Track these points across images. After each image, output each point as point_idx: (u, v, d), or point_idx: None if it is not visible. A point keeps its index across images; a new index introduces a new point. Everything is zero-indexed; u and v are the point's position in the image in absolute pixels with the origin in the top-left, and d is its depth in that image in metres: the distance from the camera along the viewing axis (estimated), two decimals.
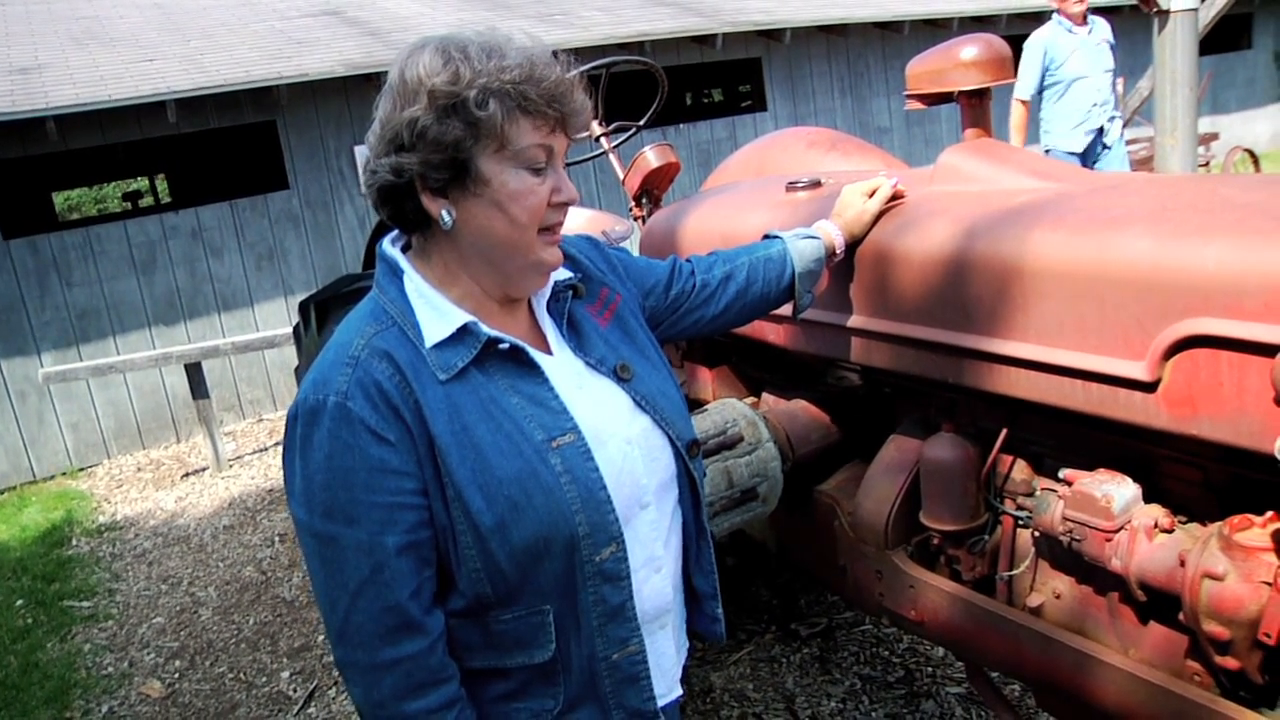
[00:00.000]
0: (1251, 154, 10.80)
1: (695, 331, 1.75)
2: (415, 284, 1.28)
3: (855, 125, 11.00)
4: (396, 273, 1.30)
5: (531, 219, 1.25)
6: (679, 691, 1.47)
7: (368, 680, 1.22)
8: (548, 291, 1.38)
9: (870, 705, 3.03)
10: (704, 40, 9.57)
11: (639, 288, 1.58)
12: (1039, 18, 12.04)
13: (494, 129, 1.19)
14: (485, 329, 1.26)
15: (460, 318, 1.25)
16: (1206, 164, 11.22)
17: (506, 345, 1.27)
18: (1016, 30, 11.79)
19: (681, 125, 10.00)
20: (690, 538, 1.47)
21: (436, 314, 1.26)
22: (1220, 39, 13.79)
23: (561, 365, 1.34)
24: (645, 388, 1.38)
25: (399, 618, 1.20)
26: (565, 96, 1.23)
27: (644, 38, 8.94)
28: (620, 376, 1.37)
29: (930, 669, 3.16)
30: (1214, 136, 11.27)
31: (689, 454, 1.42)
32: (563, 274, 1.40)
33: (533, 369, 1.29)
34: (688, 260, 1.75)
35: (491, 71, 1.18)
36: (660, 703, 1.40)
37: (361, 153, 7.96)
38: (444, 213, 1.24)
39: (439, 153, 1.20)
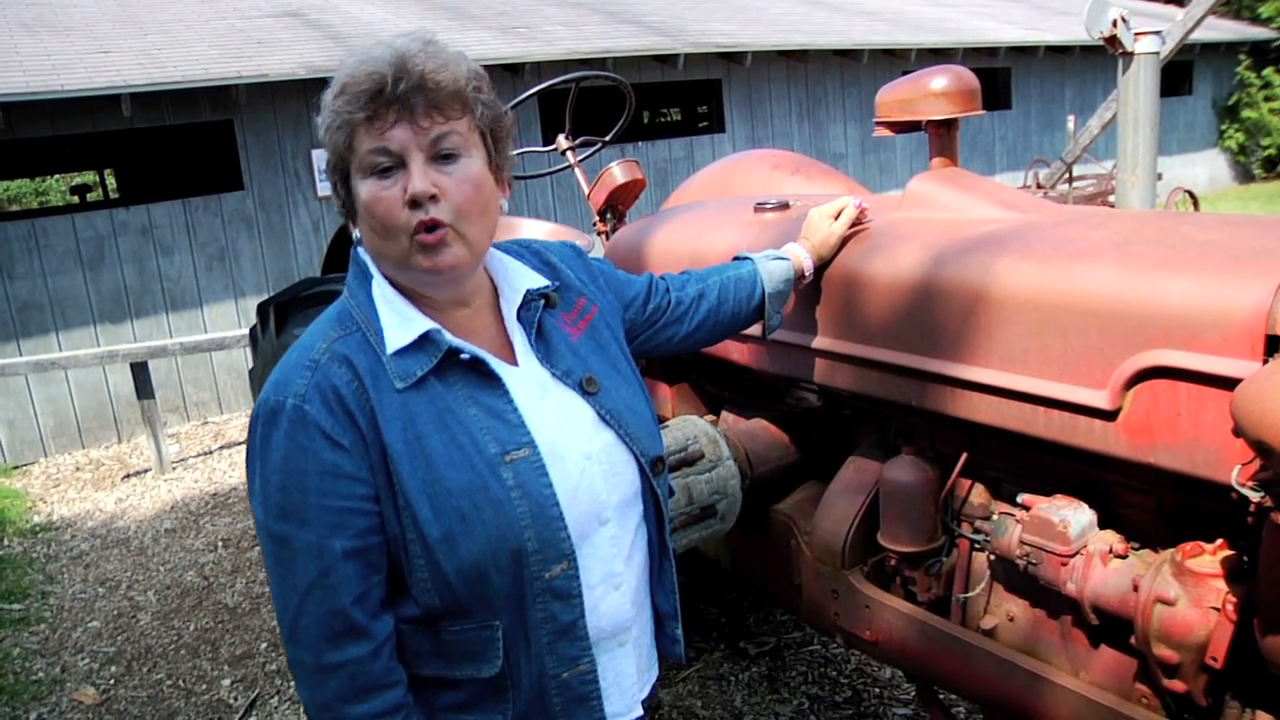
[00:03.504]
0: (1191, 195, 11.13)
1: (668, 349, 1.76)
2: (382, 289, 1.28)
3: (812, 150, 11.16)
4: (366, 276, 1.29)
5: (388, 224, 1.20)
6: (638, 712, 1.45)
7: (314, 681, 1.22)
8: (518, 299, 1.37)
9: None
10: (666, 60, 9.65)
11: (619, 299, 1.58)
12: (994, 52, 12.37)
13: (339, 152, 1.23)
14: (447, 338, 1.25)
15: (422, 325, 1.25)
16: None
17: (468, 356, 1.26)
18: (972, 63, 12.07)
19: (640, 143, 10.06)
20: (654, 556, 1.47)
21: (400, 320, 1.25)
22: (1163, 85, 14.20)
23: (525, 376, 1.33)
24: (611, 402, 1.38)
25: (344, 622, 1.20)
26: (384, 90, 1.17)
27: (606, 54, 8.99)
28: (586, 390, 1.36)
29: (878, 690, 3.20)
30: (1156, 177, 11.61)
31: (654, 471, 1.41)
32: (536, 281, 1.39)
33: (493, 380, 1.28)
34: (662, 278, 1.75)
35: (329, 100, 1.22)
36: None
37: (319, 157, 7.89)
38: (355, 232, 1.30)
39: (335, 172, 1.27)
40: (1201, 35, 12.89)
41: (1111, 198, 11.00)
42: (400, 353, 1.23)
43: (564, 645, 1.30)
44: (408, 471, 1.20)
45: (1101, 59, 14.04)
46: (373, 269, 1.29)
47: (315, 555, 1.18)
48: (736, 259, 1.90)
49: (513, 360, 1.35)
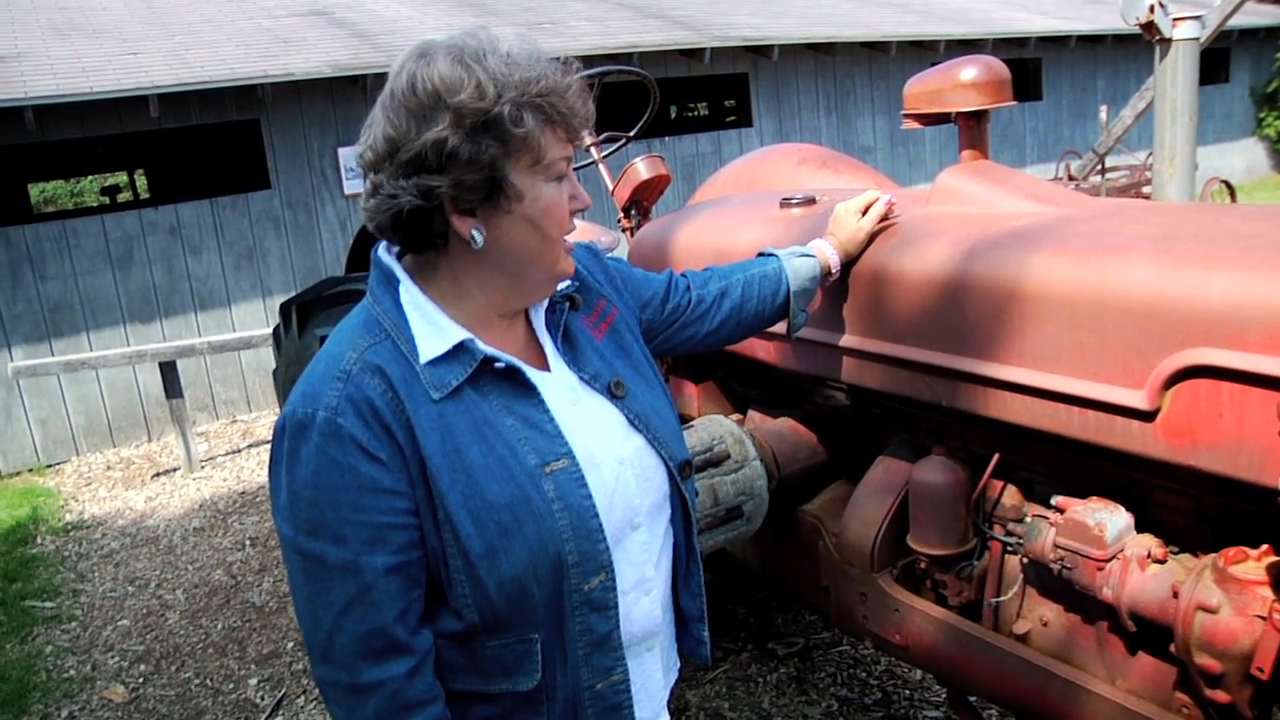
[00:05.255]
0: (1228, 185, 10.94)
1: (689, 348, 1.73)
2: (412, 296, 1.24)
3: (840, 144, 11.06)
4: (392, 282, 1.25)
5: (561, 230, 1.23)
6: (664, 716, 1.43)
7: (350, 702, 1.18)
8: (545, 302, 1.35)
9: None
10: (692, 54, 9.59)
11: (636, 300, 1.55)
12: (1024, 42, 12.20)
13: (530, 144, 1.17)
14: (482, 347, 1.22)
15: (457, 334, 1.21)
16: None
17: (503, 365, 1.23)
18: (1002, 54, 11.91)
19: (666, 138, 10.01)
20: (680, 559, 1.44)
21: (433, 329, 1.21)
22: (1199, 72, 14.00)
23: (556, 381, 1.31)
24: (639, 406, 1.35)
25: (385, 640, 1.16)
26: (582, 104, 1.22)
27: (632, 49, 8.94)
28: (614, 394, 1.34)
29: (908, 692, 3.14)
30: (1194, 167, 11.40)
31: (681, 475, 1.39)
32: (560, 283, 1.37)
33: (528, 389, 1.25)
34: (683, 275, 1.72)
35: (518, 84, 1.15)
36: None
37: (346, 155, 7.91)
38: (475, 232, 1.19)
39: (474, 173, 1.15)
40: (1239, 21, 12.65)
41: (1146, 189, 10.82)
42: (434, 362, 1.19)
43: (599, 656, 1.28)
44: (448, 484, 1.16)
45: (1135, 48, 13.81)
46: (400, 274, 1.25)
47: (352, 573, 1.14)
48: (761, 255, 1.86)
49: (544, 366, 1.32)
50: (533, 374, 1.26)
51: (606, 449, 1.29)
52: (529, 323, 1.35)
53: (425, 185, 1.15)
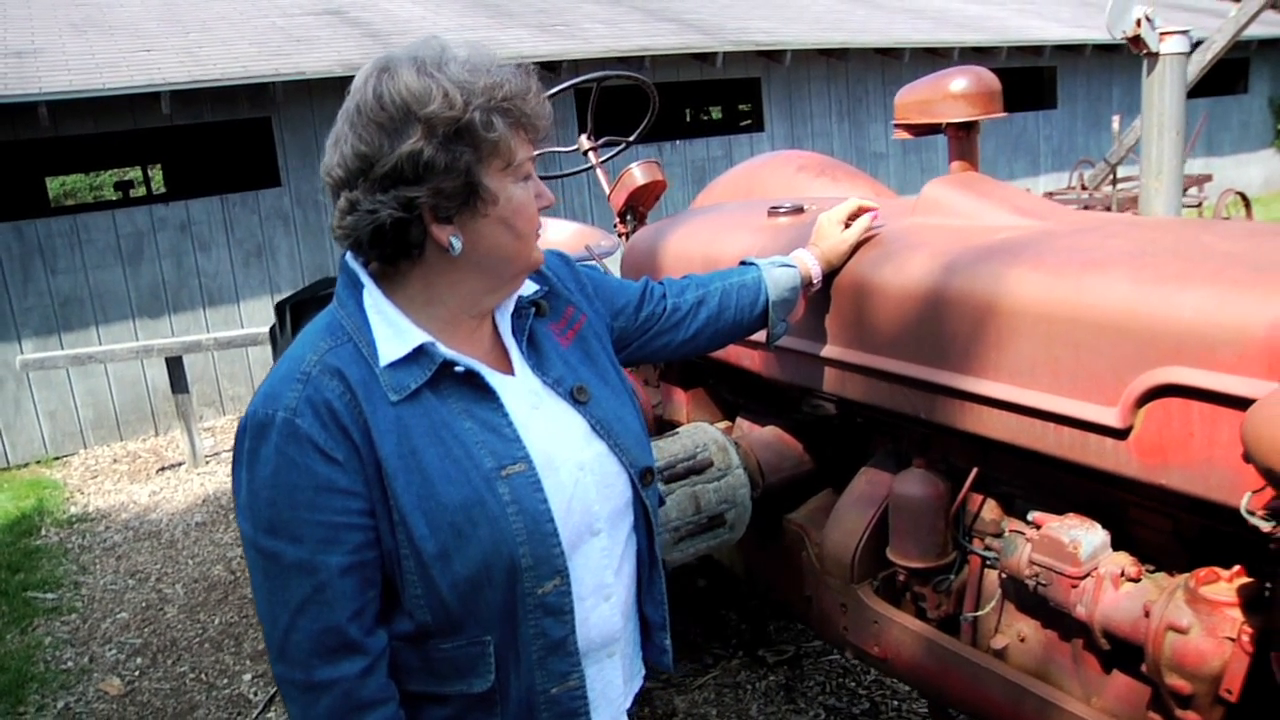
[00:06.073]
0: (1243, 197, 10.84)
1: (665, 355, 1.73)
2: (375, 300, 1.25)
3: (852, 150, 11.03)
4: (357, 287, 1.26)
5: (532, 228, 1.27)
6: None
7: (305, 700, 1.19)
8: (511, 306, 1.36)
9: None
10: (705, 58, 9.59)
11: (608, 307, 1.56)
12: (1039, 51, 12.14)
13: (501, 148, 1.20)
14: (442, 350, 1.23)
15: (418, 338, 1.22)
16: (1199, 205, 11.27)
17: (462, 369, 1.24)
18: (1017, 62, 11.88)
19: (678, 142, 10.01)
20: (644, 567, 1.44)
21: (394, 332, 1.23)
22: (1216, 82, 13.90)
23: (519, 385, 1.32)
24: (602, 412, 1.36)
25: (339, 638, 1.17)
26: (542, 105, 1.25)
27: (645, 52, 8.95)
28: (577, 399, 1.35)
29: (896, 703, 3.13)
30: (1207, 178, 11.31)
31: (643, 482, 1.39)
32: (528, 288, 1.38)
33: (488, 393, 1.26)
34: (660, 283, 1.72)
35: (484, 90, 1.17)
36: None
37: None
38: (453, 239, 1.21)
39: (451, 180, 1.18)
40: (1258, 31, 12.53)
41: None
42: (394, 365, 1.21)
43: (554, 661, 1.28)
44: (402, 486, 1.18)
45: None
46: (364, 278, 1.27)
47: (308, 572, 1.16)
48: (743, 264, 1.86)
49: (509, 370, 1.33)
50: (493, 378, 1.27)
51: (566, 454, 1.30)
52: (496, 328, 1.36)
53: (404, 197, 1.17)
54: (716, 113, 19.14)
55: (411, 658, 1.25)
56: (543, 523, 1.23)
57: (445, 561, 1.18)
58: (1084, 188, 9.68)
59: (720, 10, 11.24)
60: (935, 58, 11.21)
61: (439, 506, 1.18)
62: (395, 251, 1.23)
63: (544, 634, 1.26)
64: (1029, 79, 12.89)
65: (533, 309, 1.37)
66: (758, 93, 10.54)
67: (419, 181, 1.17)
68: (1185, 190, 11.15)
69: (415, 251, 1.23)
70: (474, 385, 1.25)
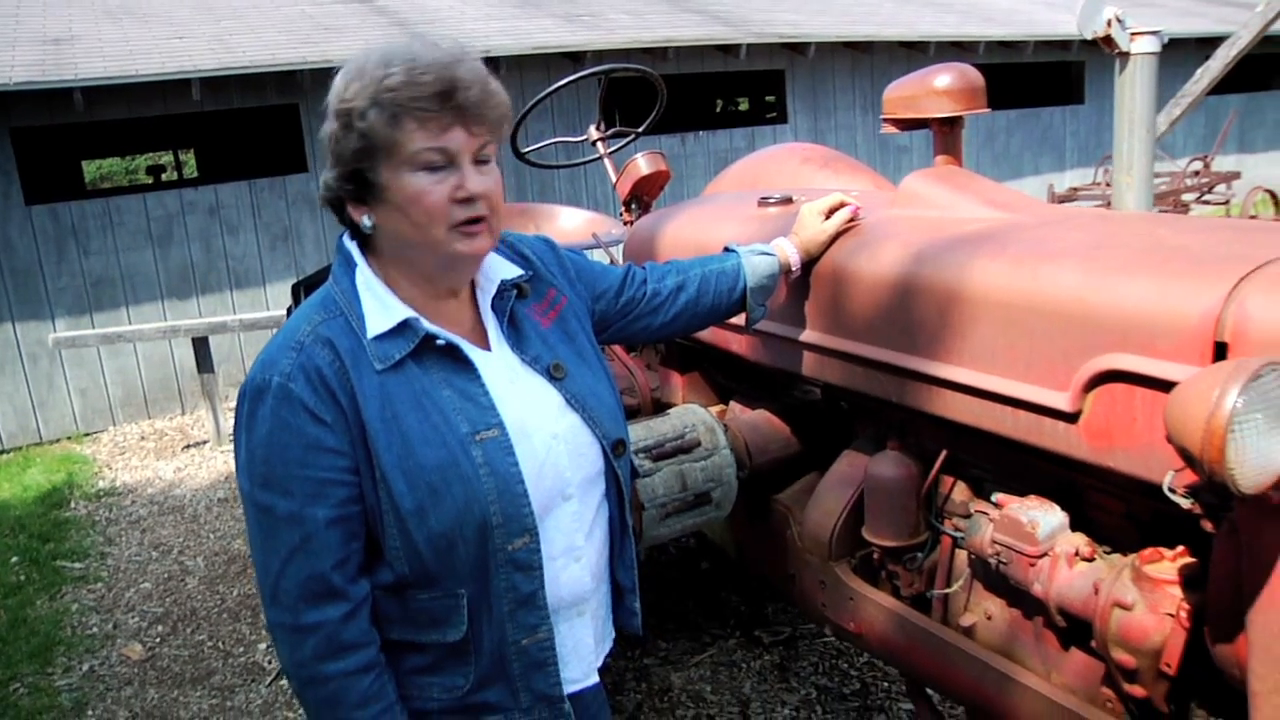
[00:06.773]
0: (1273, 194, 10.75)
1: (645, 337, 1.82)
2: (365, 277, 1.36)
3: (875, 143, 11.02)
4: (351, 265, 1.38)
5: (432, 218, 1.28)
6: (594, 679, 1.53)
7: (292, 641, 1.30)
8: (493, 289, 1.45)
9: (823, 715, 3.08)
10: (728, 49, 9.62)
11: (590, 290, 1.65)
12: (1067, 45, 12.05)
13: (379, 138, 1.26)
14: (425, 325, 1.34)
15: (402, 312, 1.33)
16: (1226, 203, 11.16)
17: (443, 342, 1.35)
18: (1044, 57, 11.80)
19: (701, 133, 10.05)
20: (615, 533, 1.54)
21: (380, 306, 1.34)
22: (1248, 78, 13.71)
23: (497, 361, 1.41)
24: (577, 388, 1.45)
25: (323, 585, 1.28)
26: (454, 93, 1.25)
27: (669, 43, 9.00)
28: (553, 375, 1.44)
29: (886, 684, 3.21)
30: (1235, 175, 11.20)
31: (615, 453, 1.48)
32: (510, 272, 1.47)
33: (467, 365, 1.36)
34: (642, 268, 1.81)
35: (374, 80, 1.25)
36: (573, 688, 1.47)
37: None
38: (364, 219, 1.33)
39: (343, 166, 1.30)
40: None
41: (1186, 196, 10.67)
42: (380, 337, 1.32)
43: (524, 614, 1.38)
44: (384, 447, 1.28)
45: (1178, 53, 13.57)
46: (357, 257, 1.37)
47: (297, 523, 1.27)
48: (726, 251, 1.94)
49: (486, 346, 1.43)
50: (472, 352, 1.38)
51: (540, 424, 1.39)
52: (478, 307, 1.46)
53: (326, 178, 1.33)
54: (745, 104, 19.15)
55: (392, 607, 1.36)
56: (513, 484, 1.32)
57: (421, 517, 1.28)
58: (1108, 184, 9.63)
59: (745, 1, 11.26)
60: (961, 52, 11.16)
61: (417, 467, 1.28)
62: (353, 231, 1.38)
63: (514, 588, 1.35)
64: (1056, 74, 12.80)
65: (514, 291, 1.47)
66: (781, 85, 10.55)
67: (333, 166, 1.32)
68: (1211, 187, 11.05)
69: (357, 230, 1.36)
70: (454, 358, 1.36)
